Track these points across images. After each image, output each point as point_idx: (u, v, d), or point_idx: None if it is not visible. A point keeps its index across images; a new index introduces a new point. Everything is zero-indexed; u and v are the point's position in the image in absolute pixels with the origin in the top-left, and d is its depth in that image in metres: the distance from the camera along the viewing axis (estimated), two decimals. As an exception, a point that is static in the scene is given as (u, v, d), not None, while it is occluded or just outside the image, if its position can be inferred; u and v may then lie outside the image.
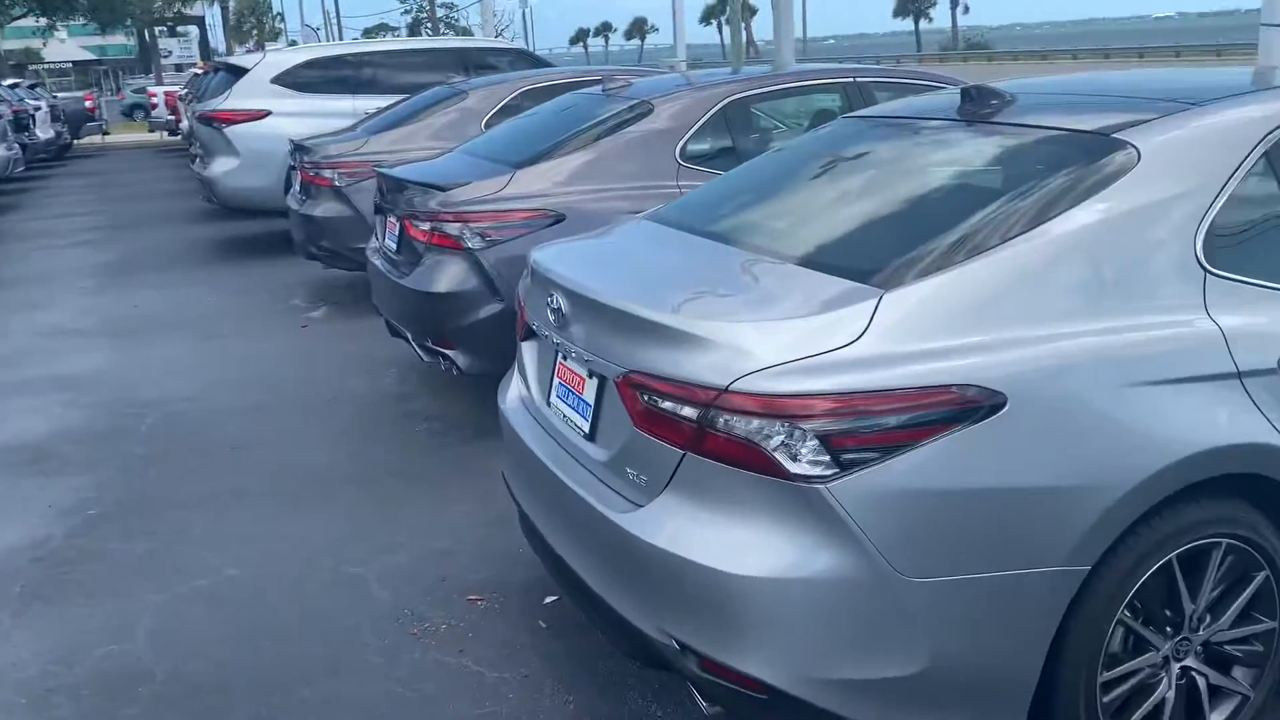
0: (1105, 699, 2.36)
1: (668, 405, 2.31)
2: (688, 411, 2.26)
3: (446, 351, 4.90)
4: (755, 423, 2.15)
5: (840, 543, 2.13)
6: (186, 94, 18.23)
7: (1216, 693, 2.50)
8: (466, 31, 37.26)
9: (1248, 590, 2.45)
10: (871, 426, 2.11)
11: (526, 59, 11.49)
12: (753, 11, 73.49)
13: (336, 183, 7.36)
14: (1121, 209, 2.39)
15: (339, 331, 7.21)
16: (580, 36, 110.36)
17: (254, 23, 60.86)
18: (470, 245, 4.75)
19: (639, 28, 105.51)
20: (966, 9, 74.92)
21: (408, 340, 5.22)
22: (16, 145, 16.49)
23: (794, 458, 2.12)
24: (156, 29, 37.14)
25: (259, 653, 3.28)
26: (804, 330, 2.22)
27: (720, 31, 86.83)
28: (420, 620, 3.41)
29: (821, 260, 2.51)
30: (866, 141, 3.22)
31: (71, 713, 3.03)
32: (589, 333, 2.63)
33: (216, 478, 4.71)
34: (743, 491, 2.22)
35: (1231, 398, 2.32)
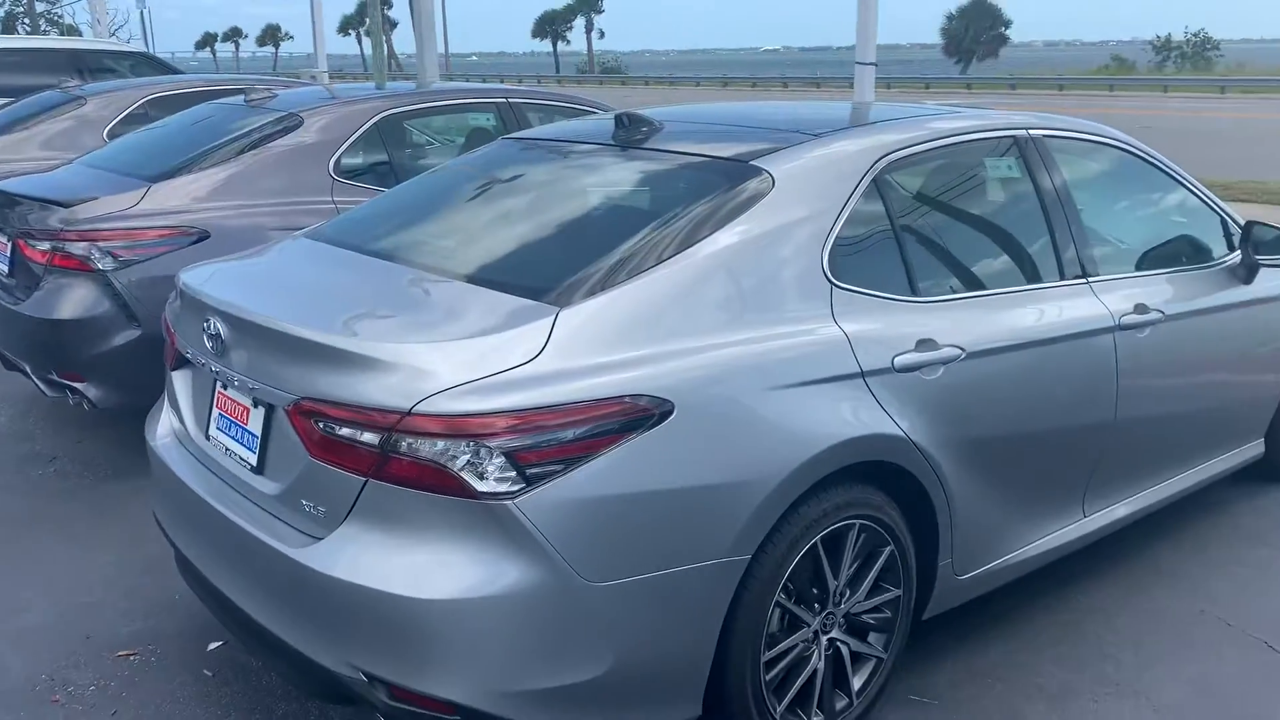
0: (768, 677, 2.58)
1: (346, 432, 2.25)
2: (368, 437, 2.22)
3: (74, 384, 4.43)
4: (441, 444, 2.15)
5: (527, 556, 2.18)
6: None
7: (857, 658, 2.81)
8: (73, 30, 33.63)
9: (877, 564, 2.77)
10: (554, 440, 2.18)
11: (150, 64, 10.65)
12: (393, 24, 72.45)
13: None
14: (760, 230, 2.64)
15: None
16: (207, 41, 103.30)
17: None
18: (100, 266, 4.33)
19: (272, 35, 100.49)
20: (602, 34, 78.41)
21: (25, 373, 4.67)
22: None
23: (481, 476, 2.15)
24: None
25: None
26: (485, 349, 2.25)
27: (360, 43, 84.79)
28: (63, 685, 3.06)
29: (494, 279, 2.55)
30: (528, 163, 3.31)
31: None
32: (253, 359, 2.50)
33: None
34: (427, 515, 2.21)
35: (858, 395, 2.62)
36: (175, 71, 10.47)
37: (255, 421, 2.55)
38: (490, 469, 2.15)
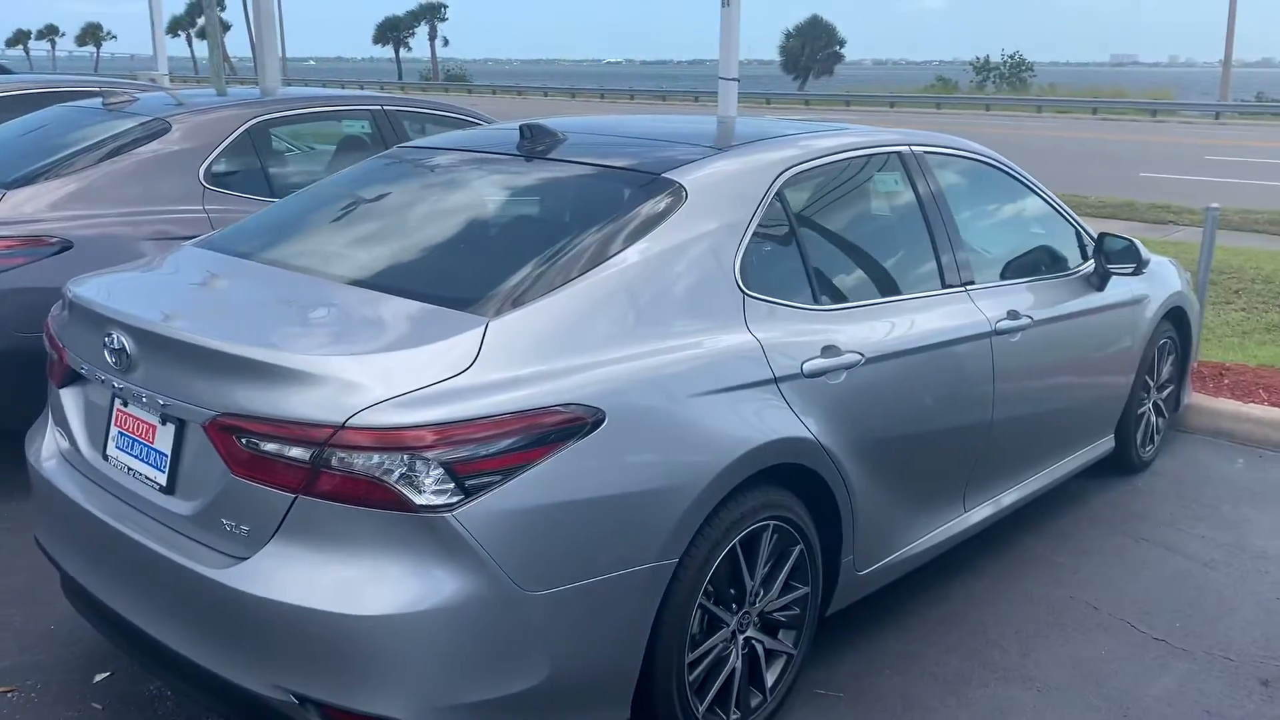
0: (691, 677, 2.64)
1: (271, 448, 2.19)
2: (297, 452, 2.16)
3: (-79, 404, 4.12)
4: (376, 458, 2.12)
5: (466, 567, 2.17)
6: None
7: (770, 656, 2.90)
8: None
9: (789, 563, 2.87)
10: (493, 451, 2.18)
11: (-25, 62, 9.91)
12: (226, 27, 69.63)
13: None
14: (677, 240, 2.70)
15: None
16: (20, 39, 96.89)
17: None
18: (-50, 278, 4.05)
19: (93, 34, 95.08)
20: (446, 41, 77.44)
21: None
22: None
23: (418, 489, 2.13)
24: None
25: None
26: (416, 360, 2.23)
27: (190, 45, 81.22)
28: (-66, 728, 2.86)
29: (414, 289, 2.53)
30: (433, 173, 3.28)
31: None
32: (163, 374, 2.40)
33: None
34: (361, 529, 2.17)
35: (772, 400, 2.72)
36: (3, 70, 9.81)
37: (163, 439, 2.45)
38: (428, 482, 2.14)
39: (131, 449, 2.54)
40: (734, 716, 2.78)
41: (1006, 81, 55.59)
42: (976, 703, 3.09)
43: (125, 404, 2.57)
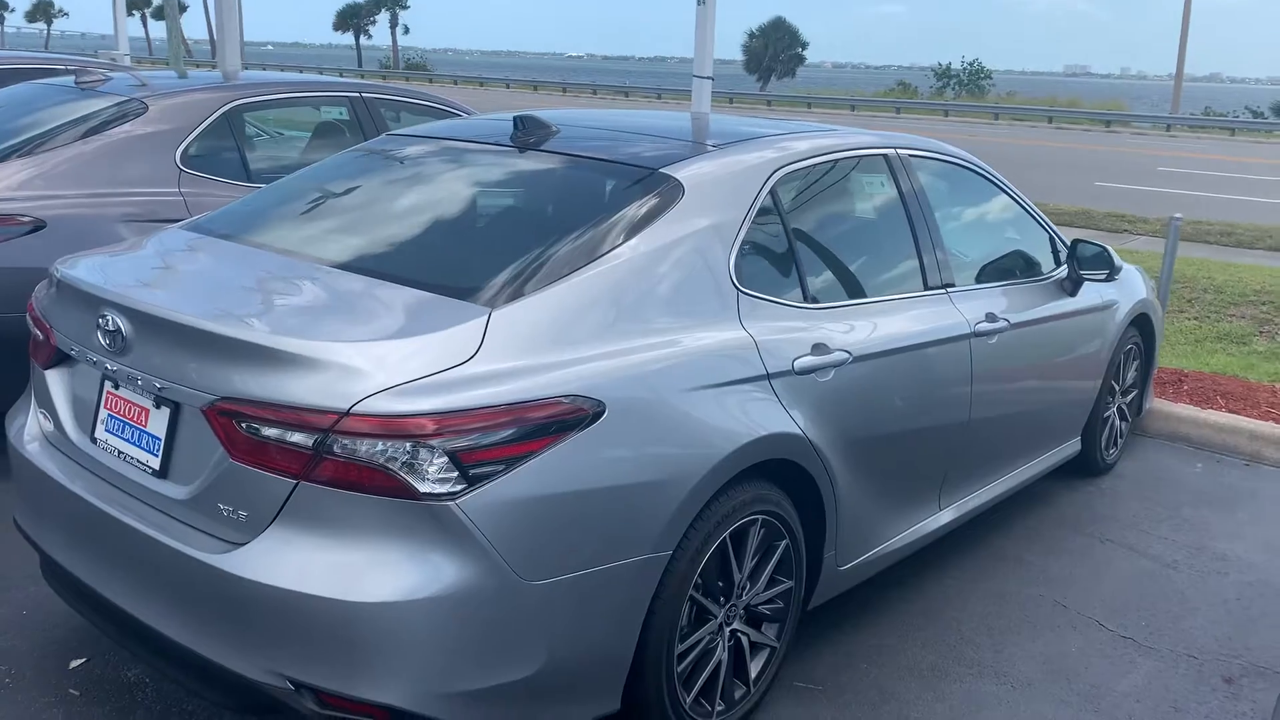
0: (679, 668, 2.67)
1: (273, 433, 2.18)
2: (300, 438, 2.16)
3: (-113, 384, 4.02)
4: (381, 444, 2.12)
5: (467, 556, 2.18)
6: None
7: (754, 648, 2.94)
8: None
9: (775, 557, 2.91)
10: (496, 440, 2.19)
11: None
12: (183, 8, 68.43)
13: None
14: (674, 235, 2.73)
15: None
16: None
17: None
18: (-81, 256, 3.96)
19: (44, 10, 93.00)
20: (406, 30, 76.76)
21: None
22: None
23: (422, 477, 2.13)
24: None
25: None
26: (419, 348, 2.24)
27: (145, 25, 79.74)
28: (-93, 713, 2.80)
29: (414, 278, 2.52)
30: (428, 161, 3.26)
31: None
32: (161, 357, 2.38)
33: None
34: (362, 516, 2.17)
35: (765, 396, 2.75)
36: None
37: (157, 423, 2.42)
38: (432, 470, 2.14)
39: (122, 432, 2.52)
40: (719, 708, 2.82)
41: (965, 88, 56.27)
42: (951, 696, 3.15)
43: (116, 386, 2.54)
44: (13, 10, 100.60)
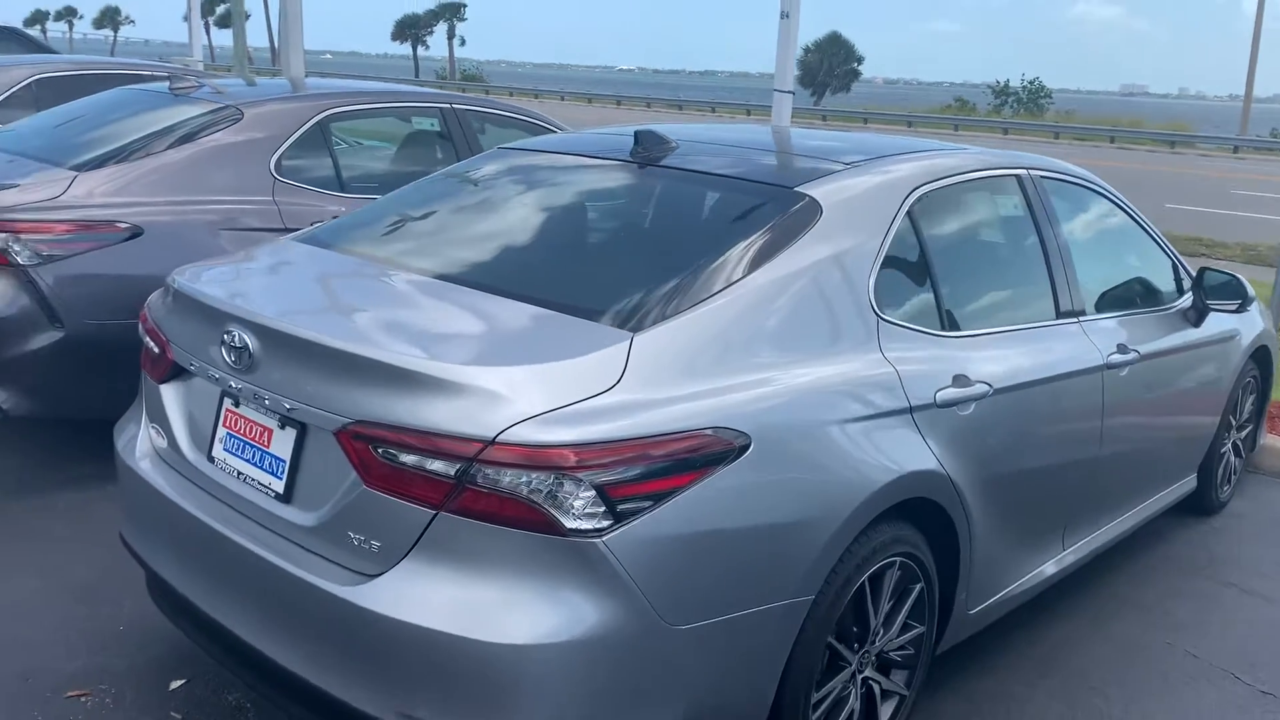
0: (813, 718, 2.51)
1: (411, 459, 2.06)
2: (440, 466, 2.04)
3: (-19, 389, 4.00)
4: (526, 476, 2.00)
5: (611, 598, 2.04)
6: None
7: (884, 695, 2.77)
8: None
9: (909, 600, 2.75)
10: (645, 474, 2.06)
11: (19, 40, 9.82)
12: (245, 16, 69.63)
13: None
14: (814, 258, 2.58)
15: None
16: (38, 19, 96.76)
17: None
18: (20, 261, 3.93)
19: (111, 17, 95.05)
20: (463, 41, 77.34)
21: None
22: None
23: (569, 511, 2.00)
24: None
25: None
26: (562, 374, 2.11)
27: (208, 32, 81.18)
28: (10, 732, 2.73)
29: (550, 298, 2.40)
30: (549, 177, 3.15)
31: None
32: (289, 376, 2.27)
33: None
34: (500, 550, 2.05)
35: (908, 430, 2.59)
36: (47, 50, 9.70)
37: (281, 444, 2.32)
38: (578, 504, 2.01)
39: (242, 452, 2.42)
40: (849, 758, 2.66)
41: (1024, 106, 55.54)
42: (1089, 753, 2.96)
43: (236, 404, 2.44)
44: (81, 17, 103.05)
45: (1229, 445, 4.73)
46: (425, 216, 3.07)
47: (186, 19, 14.90)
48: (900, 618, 2.74)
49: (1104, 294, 3.72)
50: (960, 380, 2.77)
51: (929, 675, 3.13)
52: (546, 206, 3.03)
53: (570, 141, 3.43)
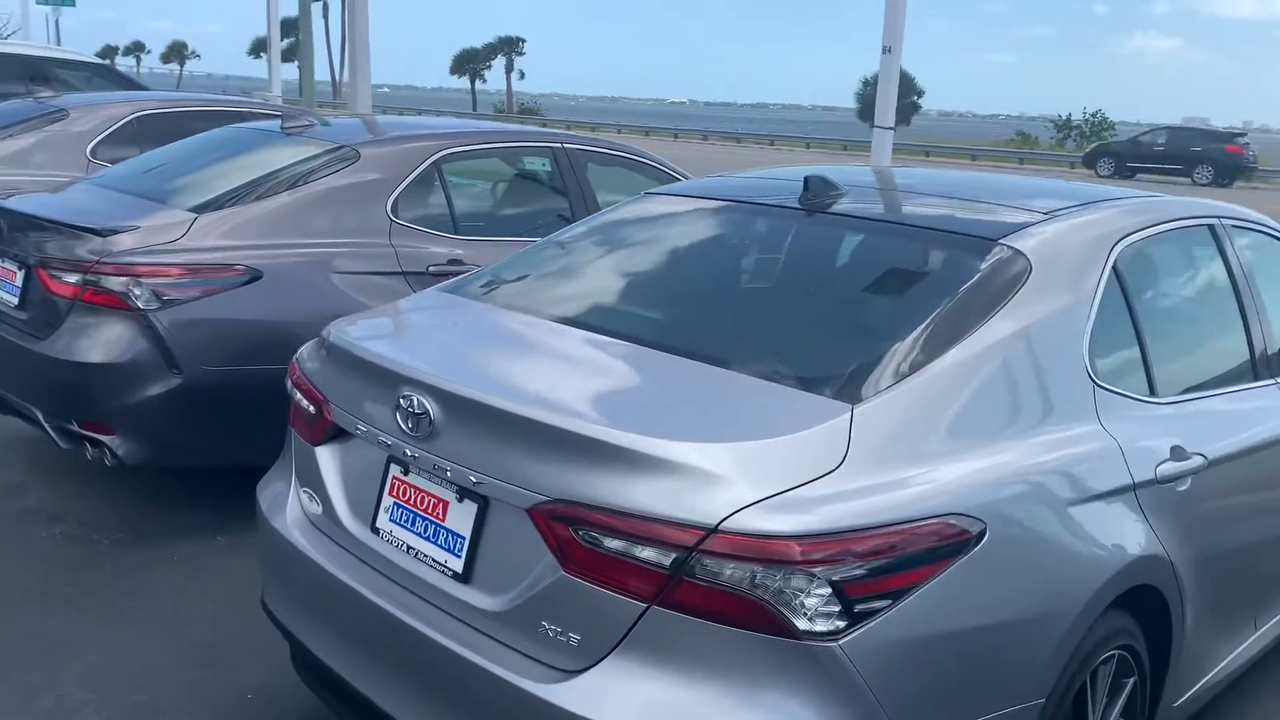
0: (1032, 829, 2.25)
1: (618, 545, 1.86)
2: (651, 554, 1.83)
3: (99, 436, 3.88)
4: (752, 570, 1.79)
5: (844, 706, 1.82)
6: None
7: (1091, 798, 2.51)
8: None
9: (1121, 696, 2.48)
10: (882, 568, 1.84)
11: (109, 76, 9.90)
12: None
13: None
14: (1027, 319, 2.34)
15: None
16: (108, 54, 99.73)
17: None
18: (140, 305, 3.82)
19: (178, 52, 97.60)
20: (522, 75, 78.21)
21: (34, 420, 4.08)
22: None
23: (801, 611, 1.78)
24: None
25: None
26: (785, 453, 1.90)
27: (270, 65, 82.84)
28: (147, 817, 2.55)
29: (749, 362, 2.19)
30: (714, 224, 2.95)
31: None
32: (473, 447, 2.08)
33: None
34: (719, 652, 1.83)
35: (1131, 510, 2.34)
36: (138, 86, 9.77)
37: (460, 519, 2.13)
38: (811, 602, 1.79)
39: (412, 524, 2.23)
40: None
41: (1088, 140, 54.71)
42: None
43: (405, 472, 2.26)
44: (149, 51, 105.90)
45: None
46: (589, 269, 2.87)
47: (264, 55, 15.10)
48: (1115, 714, 2.47)
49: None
50: (1177, 452, 2.52)
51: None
52: (723, 259, 2.83)
53: (729, 186, 3.22)
